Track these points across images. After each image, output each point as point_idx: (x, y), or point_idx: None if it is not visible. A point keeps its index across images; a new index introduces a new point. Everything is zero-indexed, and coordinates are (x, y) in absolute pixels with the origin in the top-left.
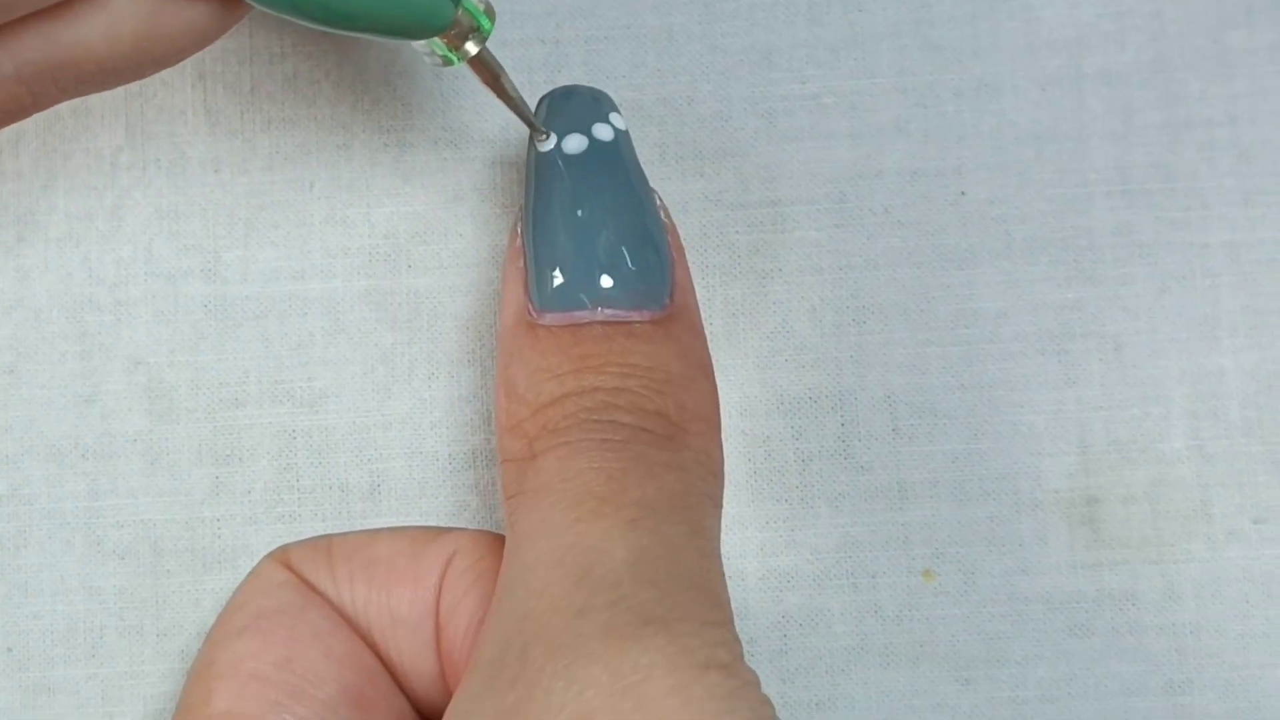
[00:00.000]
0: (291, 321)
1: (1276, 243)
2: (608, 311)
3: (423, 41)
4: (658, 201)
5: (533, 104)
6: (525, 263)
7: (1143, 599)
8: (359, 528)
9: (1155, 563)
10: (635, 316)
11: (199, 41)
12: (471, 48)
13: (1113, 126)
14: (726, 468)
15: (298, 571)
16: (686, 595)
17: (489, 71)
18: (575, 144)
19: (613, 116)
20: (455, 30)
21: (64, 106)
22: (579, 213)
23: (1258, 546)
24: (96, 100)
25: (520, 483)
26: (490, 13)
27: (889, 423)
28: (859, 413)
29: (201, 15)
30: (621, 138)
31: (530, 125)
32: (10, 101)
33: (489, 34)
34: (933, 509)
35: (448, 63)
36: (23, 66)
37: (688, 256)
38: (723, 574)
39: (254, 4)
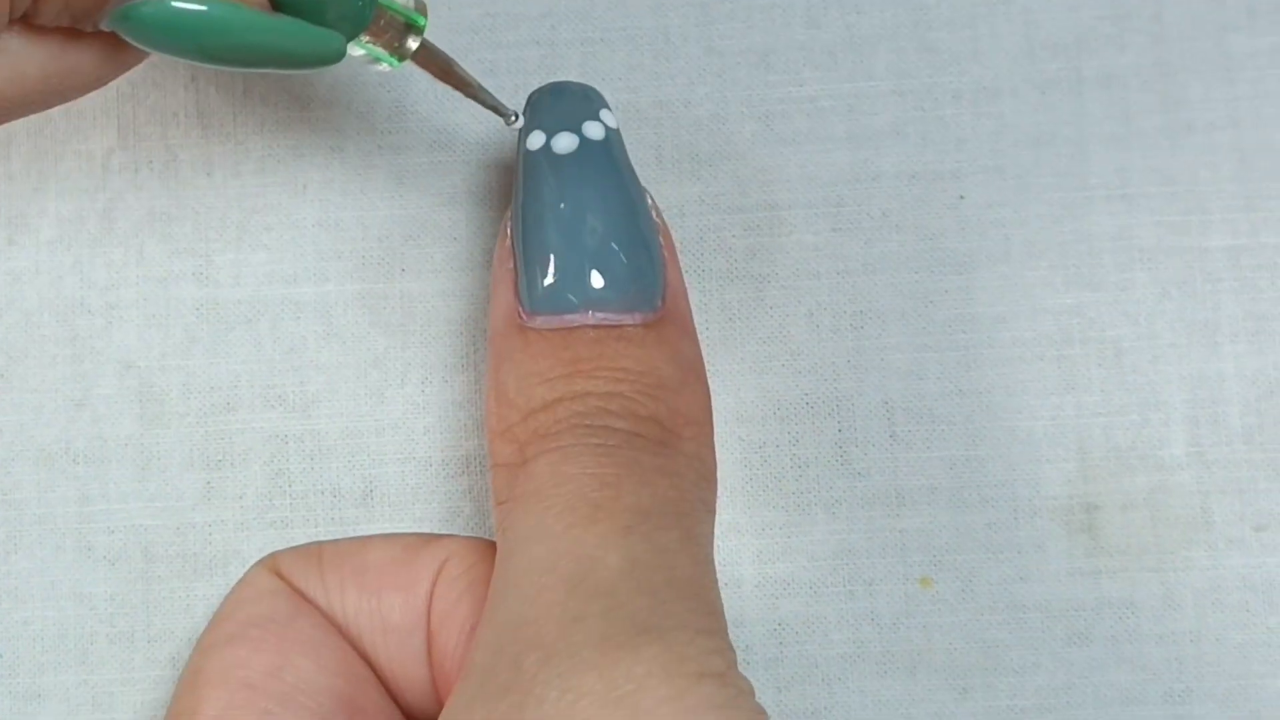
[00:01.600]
0: (284, 325)
1: (1278, 248)
2: (599, 314)
3: (358, 52)
4: (650, 202)
5: (514, 104)
6: (515, 264)
7: (1142, 607)
8: (351, 534)
9: (1155, 570)
10: (627, 319)
11: (98, 82)
12: (412, 44)
13: (1113, 130)
14: (722, 474)
15: (288, 579)
16: (681, 603)
17: (437, 65)
18: (566, 143)
19: (604, 114)
20: (388, 34)
21: (55, 109)
22: (569, 213)
23: (1258, 554)
24: (88, 102)
25: (511, 488)
26: (422, 9)
27: (886, 428)
28: (856, 418)
29: (95, 61)
30: (613, 136)
31: (498, 111)
32: None
33: (424, 29)
34: (930, 516)
35: (391, 65)
36: None
37: (684, 260)
38: (716, 581)
39: (144, 49)
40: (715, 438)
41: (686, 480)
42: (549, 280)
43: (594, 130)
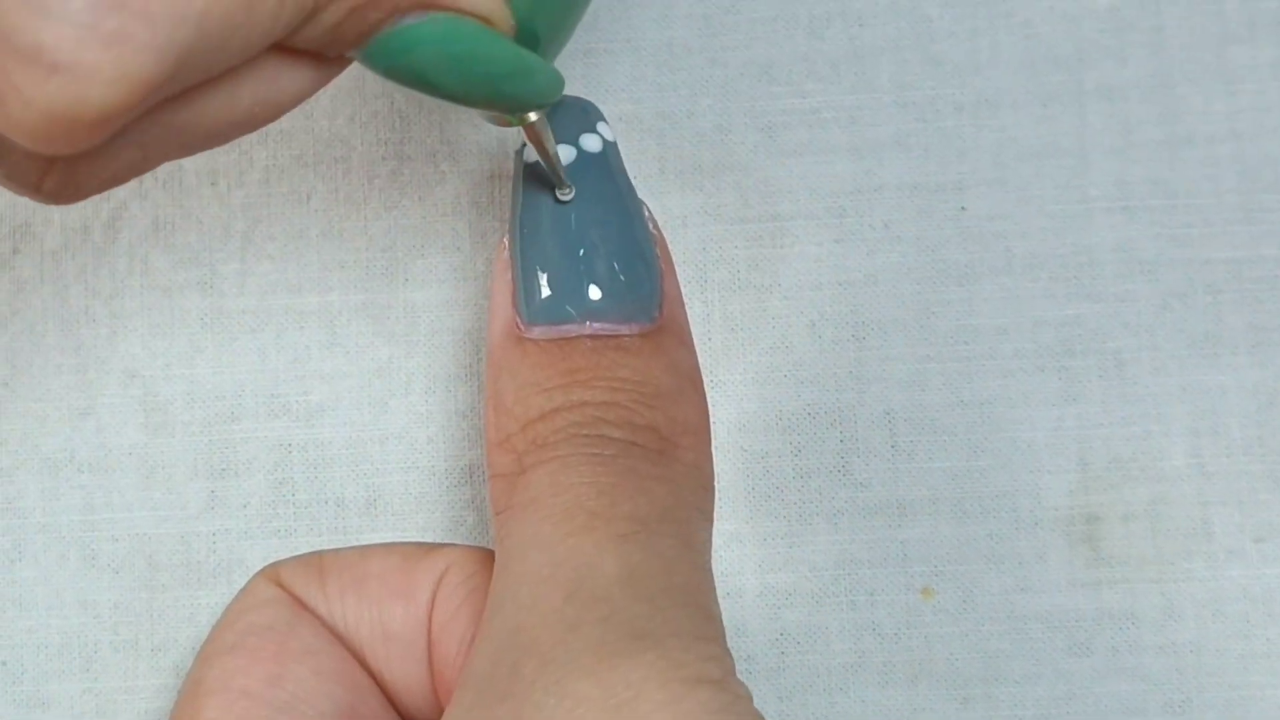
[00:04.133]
0: (288, 335)
1: (1278, 260)
2: (596, 325)
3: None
4: (646, 213)
5: None
6: (513, 276)
7: (1143, 618)
8: (354, 543)
9: (1155, 581)
10: (624, 330)
11: (301, 99)
12: (533, 115)
13: (1114, 142)
14: (724, 484)
15: (288, 588)
16: (678, 610)
17: (539, 136)
18: (563, 155)
19: (600, 127)
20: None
21: None
22: (566, 225)
23: (1258, 565)
24: None
25: (509, 497)
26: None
27: (888, 439)
28: (858, 429)
29: (309, 78)
30: (609, 149)
31: (559, 182)
32: (124, 167)
33: (551, 103)
34: (932, 526)
35: (507, 124)
36: (143, 133)
37: (687, 271)
38: (714, 588)
39: (374, 70)
40: (718, 448)
41: (684, 488)
42: (546, 292)
43: (591, 143)
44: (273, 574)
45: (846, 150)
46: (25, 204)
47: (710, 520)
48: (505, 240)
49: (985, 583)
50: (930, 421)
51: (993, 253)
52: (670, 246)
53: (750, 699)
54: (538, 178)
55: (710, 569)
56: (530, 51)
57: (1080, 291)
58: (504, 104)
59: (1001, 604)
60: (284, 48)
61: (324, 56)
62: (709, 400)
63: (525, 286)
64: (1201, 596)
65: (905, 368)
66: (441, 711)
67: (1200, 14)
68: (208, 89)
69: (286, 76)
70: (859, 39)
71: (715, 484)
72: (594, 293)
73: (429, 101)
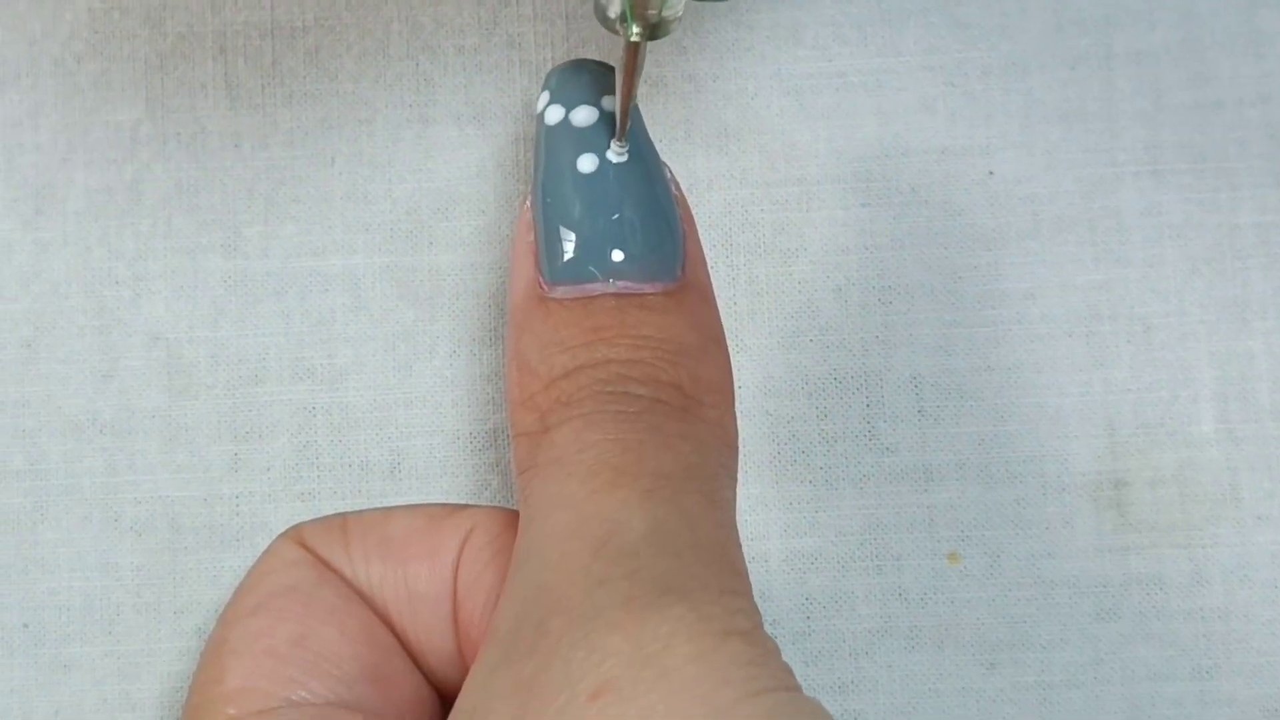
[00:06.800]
0: (312, 298)
1: None
2: (620, 283)
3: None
4: (669, 175)
5: (543, 78)
6: (535, 237)
7: (1170, 583)
8: (378, 506)
9: (1183, 547)
10: (647, 288)
11: None
12: (636, 33)
13: (1142, 106)
14: (749, 448)
15: (312, 549)
16: (705, 565)
17: (635, 63)
18: (584, 116)
19: None
20: (650, 11)
21: (83, 78)
22: (589, 186)
23: None
24: (116, 73)
25: (533, 456)
26: (676, 19)
27: (914, 404)
28: (884, 394)
29: None
30: (631, 109)
31: (620, 130)
32: None
33: (662, 34)
34: (958, 491)
35: (615, 31)
36: None
37: (712, 235)
38: (739, 544)
39: None
40: (743, 412)
41: (708, 445)
42: (569, 252)
43: (612, 104)
44: (296, 535)
45: (873, 114)
46: (48, 165)
47: (734, 478)
48: (527, 202)
49: (1012, 548)
50: (957, 386)
51: (1020, 217)
52: (695, 210)
53: (778, 651)
54: (560, 139)
55: (735, 526)
56: None
57: (1108, 256)
58: None
59: (1028, 569)
60: None
61: None
62: (734, 364)
63: (548, 247)
64: (1229, 562)
65: (932, 332)
66: (467, 671)
67: None
68: None
69: None
70: (886, 2)
71: (740, 445)
72: (617, 254)
73: (452, 64)
